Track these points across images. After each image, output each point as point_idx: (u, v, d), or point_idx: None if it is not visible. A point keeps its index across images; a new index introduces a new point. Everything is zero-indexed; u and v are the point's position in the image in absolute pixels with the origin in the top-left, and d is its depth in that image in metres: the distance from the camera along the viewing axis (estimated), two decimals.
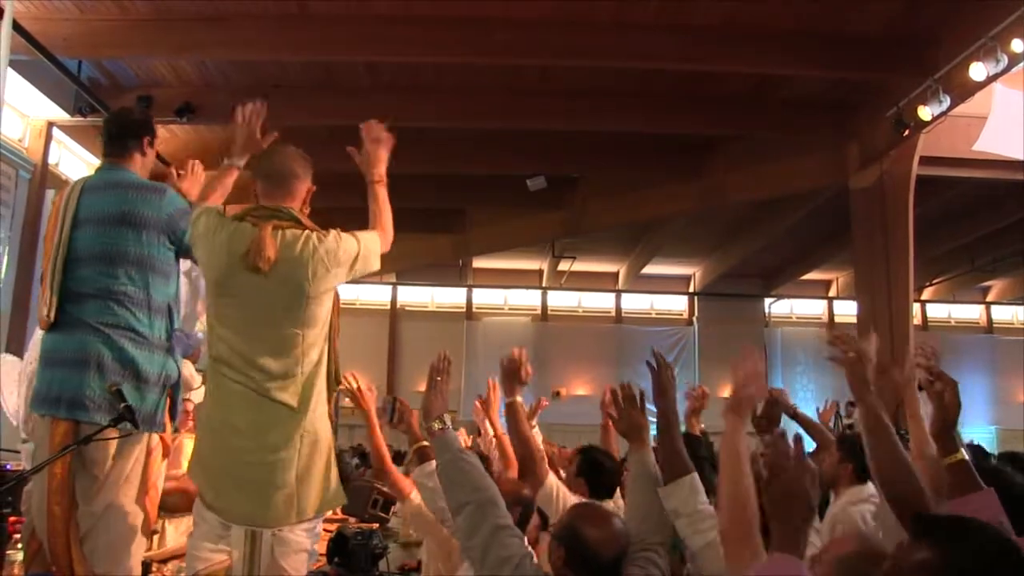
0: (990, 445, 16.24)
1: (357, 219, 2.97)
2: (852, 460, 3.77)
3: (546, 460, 3.47)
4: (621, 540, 2.26)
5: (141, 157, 3.30)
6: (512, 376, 3.34)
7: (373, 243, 2.80)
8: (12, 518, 3.81)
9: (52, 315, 3.01)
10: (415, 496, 3.43)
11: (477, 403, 3.73)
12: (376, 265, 2.80)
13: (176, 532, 4.64)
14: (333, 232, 2.69)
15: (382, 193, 2.92)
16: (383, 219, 2.89)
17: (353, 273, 2.74)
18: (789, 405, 4.55)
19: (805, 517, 1.79)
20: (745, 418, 2.21)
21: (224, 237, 2.66)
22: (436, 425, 2.47)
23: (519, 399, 3.37)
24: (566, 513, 2.47)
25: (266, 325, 2.62)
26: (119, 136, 3.28)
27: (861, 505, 3.67)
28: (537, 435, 5.25)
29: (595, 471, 3.59)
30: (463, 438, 7.57)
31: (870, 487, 3.51)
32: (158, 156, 3.79)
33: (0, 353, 5.87)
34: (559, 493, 3.31)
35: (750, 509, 1.97)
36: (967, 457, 2.21)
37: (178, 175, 3.54)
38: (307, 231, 2.66)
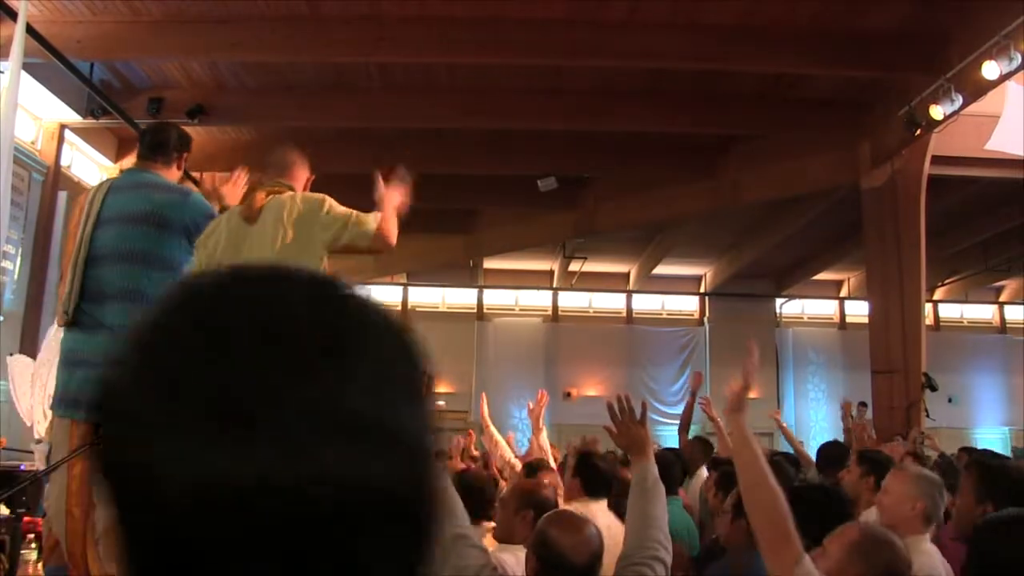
0: (1003, 446, 16.15)
1: None
2: (874, 474, 3.57)
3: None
4: (593, 544, 2.22)
5: (171, 169, 3.34)
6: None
7: (367, 216, 2.96)
8: (26, 518, 3.85)
9: (71, 314, 3.03)
10: None
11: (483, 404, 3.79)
12: (368, 239, 2.94)
13: None
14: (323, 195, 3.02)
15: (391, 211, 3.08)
16: (387, 211, 3.03)
17: (343, 239, 2.91)
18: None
19: None
20: (746, 415, 2.18)
21: (226, 216, 3.09)
22: None
23: None
24: (539, 522, 2.40)
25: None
26: (157, 144, 3.33)
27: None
28: (545, 441, 5.29)
29: (589, 470, 3.55)
30: (471, 439, 7.61)
31: None
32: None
33: (13, 354, 5.92)
34: None
35: (780, 508, 1.91)
36: None
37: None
38: (294, 193, 3.05)
